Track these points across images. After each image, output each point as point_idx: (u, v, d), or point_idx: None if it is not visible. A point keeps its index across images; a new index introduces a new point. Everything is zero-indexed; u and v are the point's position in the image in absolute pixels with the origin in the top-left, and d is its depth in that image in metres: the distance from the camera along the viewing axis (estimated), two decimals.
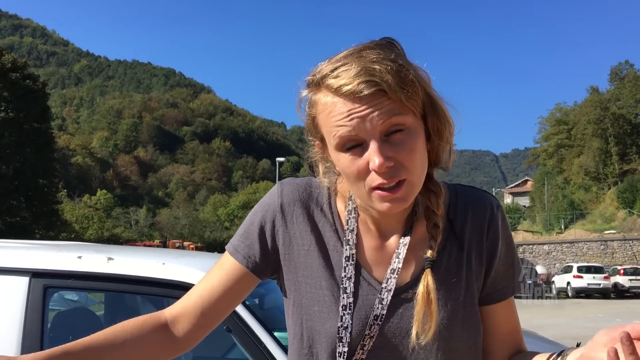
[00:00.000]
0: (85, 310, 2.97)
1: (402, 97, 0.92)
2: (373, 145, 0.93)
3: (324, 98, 0.97)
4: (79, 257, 2.22)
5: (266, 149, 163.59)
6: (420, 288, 0.99)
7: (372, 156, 0.92)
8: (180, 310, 1.09)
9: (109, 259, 2.21)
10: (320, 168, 1.10)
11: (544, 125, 70.17)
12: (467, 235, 1.06)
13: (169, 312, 1.09)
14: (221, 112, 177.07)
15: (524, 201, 72.14)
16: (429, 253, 1.02)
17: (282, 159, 42.69)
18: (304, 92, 1.02)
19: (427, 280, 0.99)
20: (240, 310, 2.11)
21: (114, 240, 53.79)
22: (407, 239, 1.05)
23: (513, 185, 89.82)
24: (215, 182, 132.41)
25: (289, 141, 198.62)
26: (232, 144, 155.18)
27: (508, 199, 79.59)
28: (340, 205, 1.10)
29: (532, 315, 18.12)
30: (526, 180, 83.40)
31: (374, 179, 0.95)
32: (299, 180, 1.13)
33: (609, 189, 56.79)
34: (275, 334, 2.54)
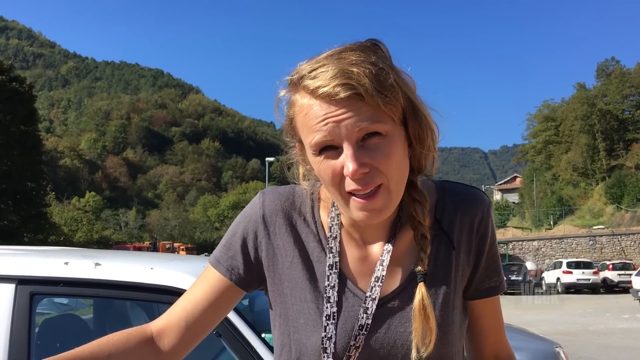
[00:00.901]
0: (73, 316, 2.94)
1: (380, 102, 0.89)
2: (348, 151, 0.90)
3: (301, 99, 0.94)
4: (66, 263, 2.19)
5: (255, 149, 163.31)
6: (416, 304, 0.96)
7: (347, 162, 0.90)
8: (165, 323, 1.07)
9: (96, 264, 2.19)
10: (300, 170, 1.07)
11: (532, 122, 70.63)
12: (456, 235, 1.04)
13: (155, 325, 1.07)
14: (210, 112, 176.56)
15: (513, 198, 72.53)
16: (420, 266, 0.99)
17: (271, 159, 42.59)
18: (282, 92, 0.99)
19: (422, 294, 0.96)
20: (230, 314, 2.09)
21: (103, 242, 53.49)
22: (390, 246, 1.02)
23: (502, 182, 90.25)
24: (205, 183, 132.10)
25: (279, 141, 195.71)
26: (221, 144, 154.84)
27: (497, 196, 79.94)
28: (323, 215, 1.07)
29: (522, 312, 18.20)
30: (515, 177, 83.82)
31: (349, 184, 0.92)
32: (281, 189, 1.10)
33: (597, 184, 57.26)
34: (267, 335, 2.53)
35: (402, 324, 0.99)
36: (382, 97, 0.90)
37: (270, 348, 2.07)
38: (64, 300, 3.84)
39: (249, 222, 1.08)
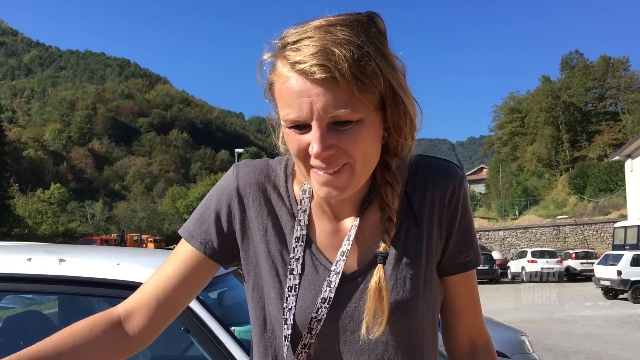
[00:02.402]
0: (37, 313, 2.88)
1: (355, 89, 0.88)
2: (315, 132, 0.89)
3: (281, 67, 0.93)
4: (29, 259, 2.14)
5: (225, 140, 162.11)
6: (372, 284, 0.95)
7: (313, 142, 0.90)
8: (133, 304, 1.03)
9: (61, 260, 2.14)
10: (280, 132, 1.03)
11: (499, 113, 71.73)
12: (427, 209, 1.02)
13: (122, 307, 1.03)
14: (178, 103, 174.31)
15: (480, 188, 73.59)
16: (381, 247, 0.98)
17: (241, 150, 42.43)
18: (266, 56, 0.97)
19: (380, 276, 0.95)
20: (199, 309, 2.08)
21: (69, 235, 52.49)
22: (357, 221, 1.01)
23: (469, 172, 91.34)
24: (173, 174, 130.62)
25: (248, 132, 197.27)
26: (189, 135, 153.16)
27: None
28: (297, 189, 1.06)
29: (488, 300, 18.55)
30: (482, 168, 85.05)
31: (314, 161, 0.92)
32: (255, 162, 1.09)
33: (561, 175, 58.58)
34: (236, 328, 2.52)
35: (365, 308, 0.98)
36: (358, 84, 0.88)
37: (239, 342, 2.07)
38: (28, 294, 3.76)
39: (223, 195, 1.06)
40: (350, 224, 1.02)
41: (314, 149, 0.90)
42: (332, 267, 0.99)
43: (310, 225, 1.04)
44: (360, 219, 1.02)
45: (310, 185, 1.00)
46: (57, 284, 2.15)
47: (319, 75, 0.87)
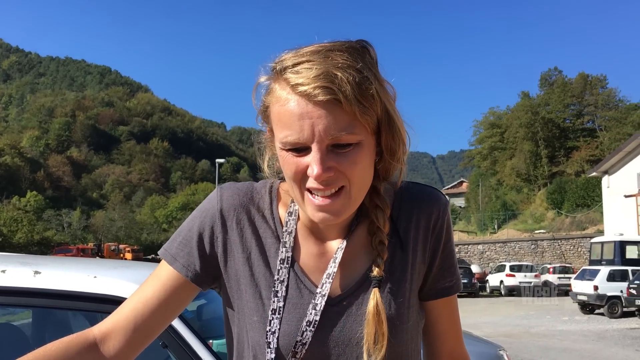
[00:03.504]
0: (9, 326, 2.80)
1: (357, 111, 0.89)
2: (316, 155, 0.89)
3: (279, 90, 0.93)
4: (3, 271, 2.09)
5: (206, 150, 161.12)
6: (370, 308, 0.95)
7: (313, 164, 0.90)
8: (110, 326, 1.00)
9: (36, 272, 2.09)
10: (266, 155, 1.06)
11: (479, 128, 72.49)
12: (412, 234, 1.03)
13: (98, 329, 1.01)
14: (159, 111, 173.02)
15: (460, 202, 74.12)
16: (375, 271, 0.97)
17: (222, 160, 42.25)
18: (263, 78, 0.97)
19: (377, 300, 0.95)
20: (177, 324, 2.04)
21: (44, 243, 51.65)
22: (344, 244, 1.01)
23: (449, 186, 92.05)
24: (153, 183, 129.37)
25: (229, 142, 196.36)
26: (170, 144, 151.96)
27: None
28: (282, 211, 1.06)
29: (467, 314, 18.62)
30: (462, 182, 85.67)
31: (311, 182, 0.92)
32: (239, 185, 1.08)
33: (539, 190, 59.24)
34: (214, 341, 2.48)
35: (357, 322, 0.97)
36: (360, 106, 0.89)
37: (218, 357, 2.03)
38: (1, 307, 3.66)
39: (206, 217, 1.05)
40: (337, 246, 1.02)
41: (314, 171, 0.89)
42: (318, 290, 0.98)
43: (295, 247, 1.03)
44: (347, 242, 1.01)
45: (303, 210, 0.98)
46: (31, 297, 2.10)
47: (321, 97, 0.88)
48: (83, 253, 44.21)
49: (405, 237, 1.03)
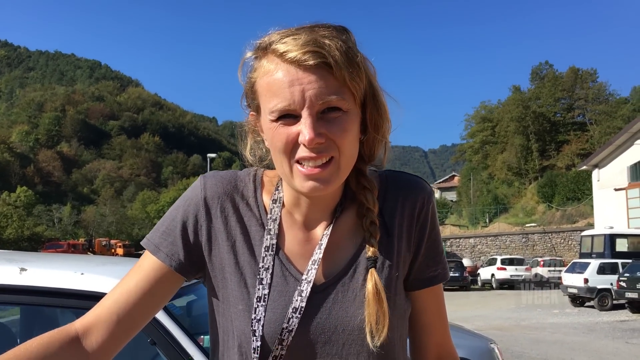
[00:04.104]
0: None
1: (347, 76, 0.90)
2: (307, 120, 0.90)
3: (267, 64, 0.93)
4: None
5: (197, 144, 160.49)
6: (370, 289, 0.95)
7: (304, 130, 0.90)
8: (92, 319, 0.98)
9: (22, 269, 2.06)
10: (249, 141, 1.06)
11: (470, 122, 72.65)
12: (397, 221, 1.03)
13: (80, 323, 0.98)
14: (150, 106, 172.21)
15: (452, 196, 74.31)
16: (370, 252, 0.98)
17: (213, 155, 42.02)
18: (249, 54, 0.97)
19: (375, 279, 0.95)
20: (165, 320, 2.02)
21: (35, 239, 51.40)
22: (329, 229, 1.01)
23: (441, 180, 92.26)
24: (144, 178, 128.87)
25: (221, 136, 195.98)
26: (161, 139, 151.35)
27: (436, 194, 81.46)
28: (266, 198, 1.05)
29: (458, 307, 18.69)
30: (453, 176, 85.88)
31: (302, 151, 0.92)
32: (223, 173, 1.07)
33: (530, 184, 59.50)
34: (206, 337, 2.45)
35: (343, 309, 0.97)
36: (349, 72, 0.90)
37: (207, 354, 2.01)
38: None
39: (190, 206, 1.03)
40: (321, 232, 1.02)
41: (306, 136, 0.89)
42: (304, 276, 0.98)
43: (280, 235, 1.02)
44: (332, 228, 1.01)
45: (291, 185, 0.97)
46: (18, 294, 2.07)
47: (311, 62, 0.88)
48: (74, 249, 44.09)
49: (391, 224, 1.03)
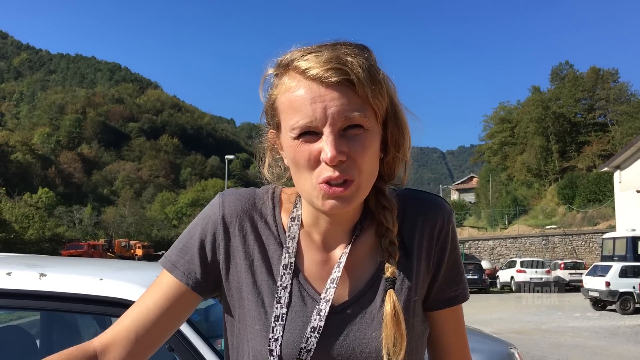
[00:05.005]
0: (17, 328, 2.79)
1: (369, 94, 0.90)
2: (329, 138, 0.89)
3: (289, 81, 0.93)
4: (9, 274, 2.07)
5: (215, 146, 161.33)
6: (388, 310, 0.94)
7: (326, 147, 0.89)
8: (111, 338, 0.98)
9: (41, 274, 2.07)
10: (267, 159, 1.05)
11: (489, 123, 72.19)
12: (417, 241, 1.02)
13: (99, 341, 0.98)
14: (169, 108, 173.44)
15: (470, 197, 73.82)
16: (389, 272, 0.97)
17: (231, 157, 42.25)
18: (270, 71, 0.97)
19: (393, 301, 0.94)
20: (184, 327, 2.01)
21: (56, 240, 51.98)
22: (348, 248, 1.00)
23: (459, 181, 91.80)
24: (163, 180, 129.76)
25: (239, 138, 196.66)
26: (180, 140, 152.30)
27: (454, 196, 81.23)
28: (284, 217, 1.04)
29: (477, 310, 18.53)
30: (472, 177, 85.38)
31: (323, 171, 0.90)
32: (241, 191, 1.07)
33: (550, 185, 58.85)
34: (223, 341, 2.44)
35: (362, 331, 0.96)
36: (372, 89, 0.90)
37: None
38: (7, 310, 3.66)
39: (208, 224, 1.03)
40: (340, 253, 1.01)
41: (328, 153, 0.88)
42: (322, 295, 0.97)
43: (298, 255, 1.01)
44: (351, 248, 1.00)
45: (310, 202, 0.96)
46: (37, 300, 2.08)
47: (334, 79, 0.88)
48: (94, 249, 44.52)
49: (410, 244, 1.02)
